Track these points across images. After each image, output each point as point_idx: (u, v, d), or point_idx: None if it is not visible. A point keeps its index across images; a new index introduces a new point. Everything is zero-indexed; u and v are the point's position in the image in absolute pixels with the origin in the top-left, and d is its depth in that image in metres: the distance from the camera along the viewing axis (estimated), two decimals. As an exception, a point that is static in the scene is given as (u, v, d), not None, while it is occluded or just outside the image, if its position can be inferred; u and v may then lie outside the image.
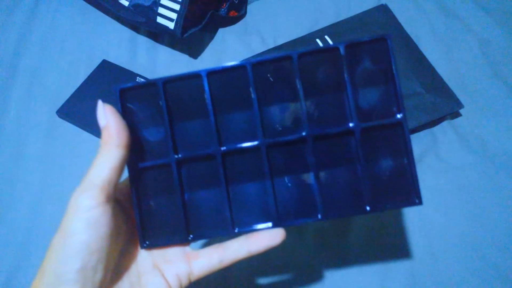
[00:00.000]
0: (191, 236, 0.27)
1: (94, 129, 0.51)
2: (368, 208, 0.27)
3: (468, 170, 0.47)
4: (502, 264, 0.42)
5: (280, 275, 0.42)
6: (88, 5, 0.61)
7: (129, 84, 0.27)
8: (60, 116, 0.52)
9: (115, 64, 0.55)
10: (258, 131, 0.26)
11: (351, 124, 0.26)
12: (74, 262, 0.23)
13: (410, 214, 0.45)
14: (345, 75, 0.26)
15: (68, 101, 0.52)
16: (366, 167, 0.26)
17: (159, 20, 0.53)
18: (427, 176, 0.47)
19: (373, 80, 0.26)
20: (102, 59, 0.55)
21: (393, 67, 0.26)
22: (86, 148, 0.50)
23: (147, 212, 0.27)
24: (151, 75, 0.54)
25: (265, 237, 0.26)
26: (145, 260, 0.28)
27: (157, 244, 0.27)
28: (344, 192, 0.27)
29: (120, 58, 0.56)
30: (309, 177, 0.27)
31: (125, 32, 0.59)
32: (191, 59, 0.56)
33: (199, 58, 0.56)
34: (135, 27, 0.59)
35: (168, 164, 0.27)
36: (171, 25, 0.52)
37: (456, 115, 0.50)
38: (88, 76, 0.54)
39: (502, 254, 0.42)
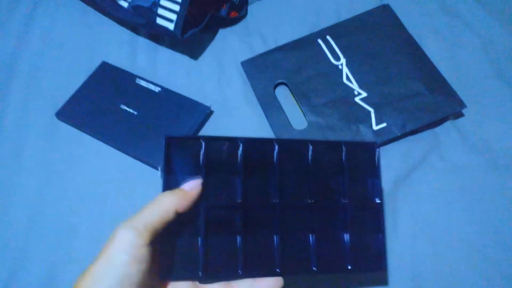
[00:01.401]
0: (207, 275, 0.30)
1: (93, 132, 0.50)
2: (349, 267, 0.34)
3: (471, 171, 0.47)
4: (506, 265, 0.41)
5: None
6: (87, 7, 0.60)
7: (177, 135, 0.31)
8: (59, 118, 0.52)
9: (115, 66, 0.55)
10: (274, 194, 0.32)
11: (344, 201, 0.34)
12: None
13: (413, 214, 0.44)
14: (344, 165, 0.35)
15: (67, 103, 0.52)
16: (353, 236, 0.34)
17: (159, 21, 0.52)
18: (430, 177, 0.47)
19: (363, 170, 0.35)
20: (101, 61, 0.55)
21: (377, 168, 0.35)
22: (85, 151, 0.50)
23: (174, 249, 0.30)
24: (151, 77, 0.53)
25: (269, 282, 0.31)
26: None
27: (178, 278, 0.30)
28: (333, 252, 0.33)
29: (119, 59, 0.55)
30: (309, 238, 0.33)
31: (125, 34, 0.58)
32: (192, 60, 0.56)
33: (200, 59, 0.56)
34: (135, 29, 0.58)
35: (197, 208, 0.30)
36: (171, 26, 0.52)
37: (459, 115, 0.50)
38: (88, 78, 0.54)
39: (506, 254, 0.42)
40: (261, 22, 0.58)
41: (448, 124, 0.50)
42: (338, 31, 0.54)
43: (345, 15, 0.56)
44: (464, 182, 0.46)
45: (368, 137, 0.47)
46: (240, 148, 0.32)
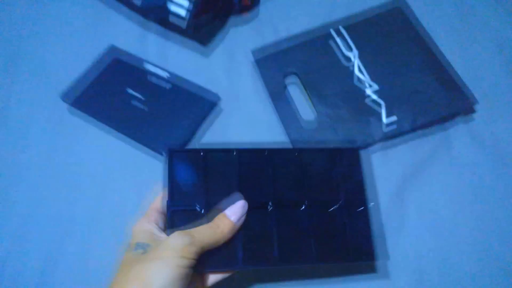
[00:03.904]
0: (207, 268, 0.32)
1: (99, 115, 0.50)
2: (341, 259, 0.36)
3: (480, 168, 0.46)
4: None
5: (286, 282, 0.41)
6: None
7: (178, 149, 0.36)
8: (64, 101, 0.51)
9: (123, 50, 0.54)
10: (270, 198, 0.35)
11: (335, 206, 0.36)
12: None
13: (420, 211, 0.44)
14: (332, 171, 0.38)
15: (73, 85, 0.51)
16: (341, 233, 0.36)
17: (171, 6, 0.51)
18: (439, 173, 0.46)
19: (350, 175, 0.38)
20: (109, 44, 0.54)
21: (361, 172, 0.38)
22: (91, 135, 0.49)
23: None
24: (160, 62, 0.53)
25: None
26: None
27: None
28: (326, 247, 0.36)
29: (128, 44, 0.55)
30: (304, 235, 0.35)
31: (135, 17, 0.57)
32: (201, 48, 0.55)
33: (210, 47, 0.55)
34: (145, 14, 0.57)
35: (199, 210, 0.33)
36: (182, 13, 0.51)
37: (470, 112, 0.49)
38: (95, 61, 0.53)
39: (512, 253, 0.42)
40: (273, 12, 0.57)
41: (459, 120, 0.49)
42: (352, 23, 0.53)
43: (359, 7, 0.55)
44: (473, 179, 0.46)
45: (378, 130, 0.47)
46: (236, 158, 0.35)
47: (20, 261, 0.42)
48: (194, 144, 0.49)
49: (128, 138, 0.49)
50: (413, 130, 0.47)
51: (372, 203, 0.38)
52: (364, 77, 0.50)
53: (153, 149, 0.48)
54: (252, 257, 0.32)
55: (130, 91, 0.51)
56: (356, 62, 0.51)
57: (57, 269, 0.42)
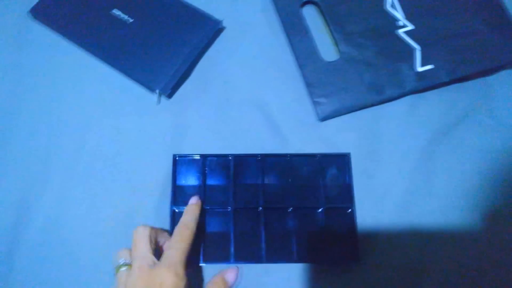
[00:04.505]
0: (204, 261, 0.36)
1: (77, 38, 0.42)
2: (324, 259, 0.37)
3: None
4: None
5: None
6: None
7: (181, 155, 0.39)
8: (34, 16, 0.43)
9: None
10: (260, 200, 0.38)
11: (320, 207, 0.38)
12: None
13: (450, 173, 0.39)
14: (321, 174, 0.39)
15: (44, -2, 0.43)
16: (327, 236, 0.37)
17: None
18: (475, 134, 0.40)
19: (339, 179, 0.39)
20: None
21: (347, 177, 0.38)
22: (64, 58, 0.43)
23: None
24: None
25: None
26: None
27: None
28: (309, 248, 0.37)
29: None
30: (290, 235, 0.37)
31: None
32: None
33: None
34: None
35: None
36: None
37: (519, 64, 0.42)
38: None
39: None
40: None
41: (504, 74, 0.42)
42: None
43: None
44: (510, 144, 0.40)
45: (410, 80, 0.40)
46: (232, 162, 0.38)
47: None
48: (192, 79, 0.41)
49: (110, 66, 0.41)
50: (451, 82, 0.40)
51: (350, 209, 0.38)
52: (398, 13, 0.42)
53: (143, 83, 0.41)
54: (242, 254, 0.36)
55: (115, 10, 0.42)
56: (390, -6, 0.42)
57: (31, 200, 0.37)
